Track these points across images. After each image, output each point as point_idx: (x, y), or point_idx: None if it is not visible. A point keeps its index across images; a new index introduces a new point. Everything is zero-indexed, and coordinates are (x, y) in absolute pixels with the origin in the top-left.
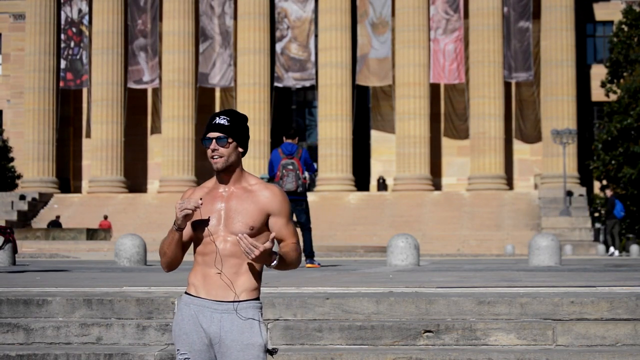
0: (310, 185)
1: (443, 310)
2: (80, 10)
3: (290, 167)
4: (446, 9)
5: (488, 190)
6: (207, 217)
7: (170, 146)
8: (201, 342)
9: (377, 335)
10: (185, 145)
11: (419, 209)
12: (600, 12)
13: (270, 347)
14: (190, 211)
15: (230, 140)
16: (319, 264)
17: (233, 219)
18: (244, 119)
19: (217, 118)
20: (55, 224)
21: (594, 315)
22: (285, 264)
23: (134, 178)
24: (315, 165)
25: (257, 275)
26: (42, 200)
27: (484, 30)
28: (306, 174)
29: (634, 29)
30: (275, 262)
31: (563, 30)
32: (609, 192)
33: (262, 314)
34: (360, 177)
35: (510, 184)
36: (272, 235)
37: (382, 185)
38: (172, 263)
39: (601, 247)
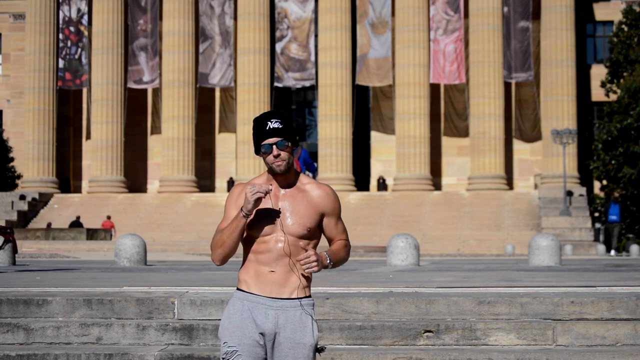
0: None
1: (443, 310)
2: (79, 10)
3: None
4: (446, 9)
5: (488, 190)
6: (262, 217)
7: (170, 146)
8: (251, 337)
9: (377, 335)
10: (185, 145)
11: (419, 209)
12: (600, 12)
13: (319, 345)
14: (262, 195)
15: (288, 143)
16: None
17: (289, 219)
18: (290, 117)
19: (270, 122)
20: (76, 224)
21: (594, 315)
22: (336, 264)
23: (134, 178)
24: (316, 165)
25: (308, 275)
26: (42, 200)
27: (484, 30)
28: (308, 174)
29: (634, 29)
30: (329, 262)
31: (563, 30)
32: (614, 194)
33: (314, 311)
34: (360, 177)
35: (510, 184)
36: (311, 247)
37: (382, 185)
38: (228, 254)
39: (601, 247)
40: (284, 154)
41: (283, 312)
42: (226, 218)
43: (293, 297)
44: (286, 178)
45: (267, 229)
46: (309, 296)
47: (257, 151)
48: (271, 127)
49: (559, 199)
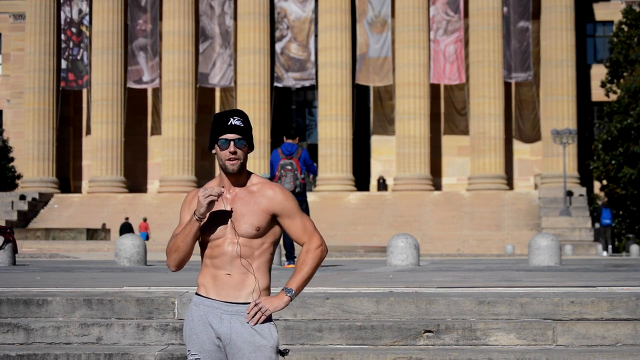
0: (308, 186)
1: (443, 310)
2: (80, 11)
3: (289, 167)
4: (446, 9)
5: (488, 190)
6: (213, 220)
7: (170, 146)
8: (211, 342)
9: (377, 335)
10: (185, 145)
11: (419, 209)
12: (600, 12)
13: (281, 347)
14: (215, 198)
15: (245, 142)
16: None
17: (239, 221)
18: (249, 119)
19: (232, 119)
20: (126, 227)
21: (594, 315)
22: (304, 286)
23: (134, 178)
24: (316, 166)
25: (267, 275)
26: (42, 200)
27: (484, 30)
28: (303, 174)
29: (634, 29)
30: (290, 295)
31: (563, 30)
32: (600, 203)
33: (271, 314)
34: (360, 177)
35: (510, 184)
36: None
37: (382, 185)
38: (183, 259)
39: (601, 248)
40: (240, 153)
41: (239, 316)
42: (180, 224)
43: (250, 301)
44: (237, 179)
45: (219, 231)
46: None
47: (212, 146)
48: (233, 123)
49: (559, 199)
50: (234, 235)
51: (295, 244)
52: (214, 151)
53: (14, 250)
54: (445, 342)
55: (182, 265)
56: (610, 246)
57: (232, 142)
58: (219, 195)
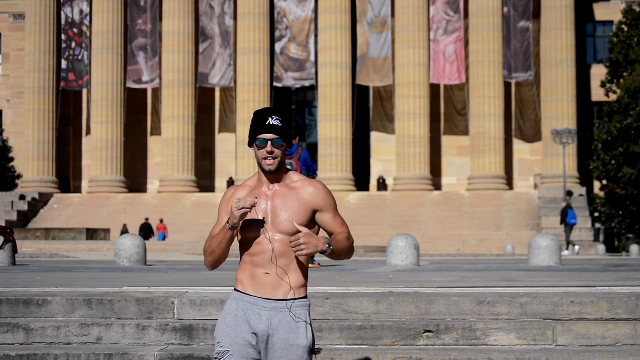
0: None
1: (443, 310)
2: (81, 11)
3: (289, 167)
4: (446, 9)
5: (488, 190)
6: (253, 218)
7: (170, 146)
8: (244, 337)
9: (377, 335)
10: (185, 145)
11: (419, 209)
12: (600, 12)
13: (315, 347)
14: (248, 210)
15: (284, 143)
16: (319, 264)
17: (280, 218)
18: (290, 117)
19: (270, 118)
20: (146, 227)
21: (594, 315)
22: (338, 251)
23: (134, 178)
24: (316, 167)
25: (304, 273)
26: (42, 200)
27: (484, 30)
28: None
29: (634, 29)
30: (328, 247)
31: (563, 30)
32: (564, 202)
33: (310, 313)
34: (360, 177)
35: (510, 184)
36: (301, 227)
37: (382, 185)
38: (219, 261)
39: (601, 247)
40: (277, 152)
41: (277, 313)
42: (218, 223)
43: (288, 298)
44: (276, 176)
45: (258, 230)
46: (305, 297)
47: (251, 144)
48: (271, 123)
49: (559, 199)
50: (274, 233)
51: None
52: (253, 148)
53: (14, 250)
54: (445, 342)
55: (218, 265)
56: (576, 247)
57: (269, 142)
58: (253, 206)
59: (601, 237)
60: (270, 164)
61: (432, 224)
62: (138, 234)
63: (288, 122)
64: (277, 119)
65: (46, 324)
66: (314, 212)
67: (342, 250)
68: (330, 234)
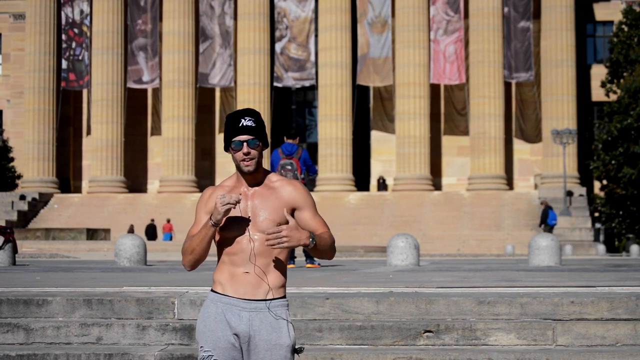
0: (308, 186)
1: (443, 310)
2: (81, 11)
3: (289, 167)
4: (446, 9)
5: (488, 190)
6: (232, 217)
7: (170, 146)
8: (226, 340)
9: (377, 335)
10: (185, 145)
11: (419, 209)
12: (600, 12)
13: (297, 346)
14: (233, 206)
15: (259, 142)
16: (319, 264)
17: (259, 217)
18: (261, 116)
19: (243, 120)
20: (151, 228)
21: (594, 315)
22: (321, 247)
23: (134, 178)
24: (316, 167)
25: (283, 273)
26: (42, 200)
27: (484, 30)
28: (303, 174)
29: (634, 29)
30: (312, 241)
31: (563, 30)
32: (542, 204)
33: (288, 312)
34: (360, 177)
35: (510, 184)
36: (288, 216)
37: (382, 185)
38: (199, 260)
39: (601, 247)
40: (253, 153)
41: (257, 313)
42: (197, 223)
43: (268, 297)
44: (255, 177)
45: (238, 229)
46: (284, 297)
47: (227, 148)
48: (244, 124)
49: (559, 199)
50: (253, 232)
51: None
52: (230, 152)
53: (14, 250)
54: (445, 342)
55: (197, 265)
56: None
57: (245, 144)
58: (237, 202)
59: (601, 237)
60: (248, 164)
61: (432, 224)
62: (144, 234)
63: (261, 121)
64: (250, 120)
65: (46, 324)
66: (293, 210)
67: (325, 247)
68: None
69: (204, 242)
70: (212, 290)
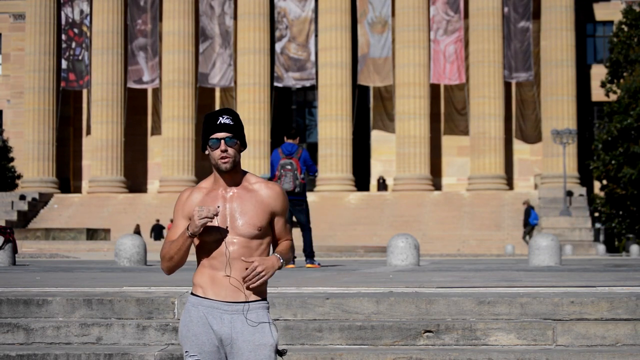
0: (308, 186)
1: (443, 310)
2: (81, 11)
3: (289, 167)
4: (446, 9)
5: (488, 190)
6: (213, 224)
7: (170, 146)
8: (211, 343)
9: (377, 335)
10: (185, 145)
11: (419, 209)
12: (600, 12)
13: (280, 347)
14: (210, 220)
15: (237, 140)
16: (319, 264)
17: (239, 220)
18: (239, 117)
19: (221, 118)
20: (157, 228)
21: (594, 315)
22: (286, 261)
23: (134, 178)
24: (316, 167)
25: None
26: (42, 200)
27: (484, 30)
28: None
29: (634, 29)
30: (282, 262)
31: (563, 30)
32: (524, 204)
33: (269, 313)
34: (360, 177)
35: (510, 184)
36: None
37: (382, 185)
38: (177, 266)
39: (601, 247)
40: (231, 151)
41: (239, 316)
42: (175, 227)
43: (249, 300)
44: (233, 177)
45: (217, 233)
46: (265, 299)
47: (204, 147)
48: (222, 122)
49: (559, 199)
50: (233, 236)
51: (294, 245)
52: (207, 152)
53: (14, 250)
54: (445, 342)
55: (175, 270)
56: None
57: (222, 141)
58: (215, 215)
59: (601, 237)
60: (225, 162)
61: (432, 224)
62: (150, 235)
63: (239, 120)
64: (228, 118)
65: (46, 324)
66: (272, 215)
67: (288, 260)
68: (276, 238)
69: (182, 251)
70: (192, 294)
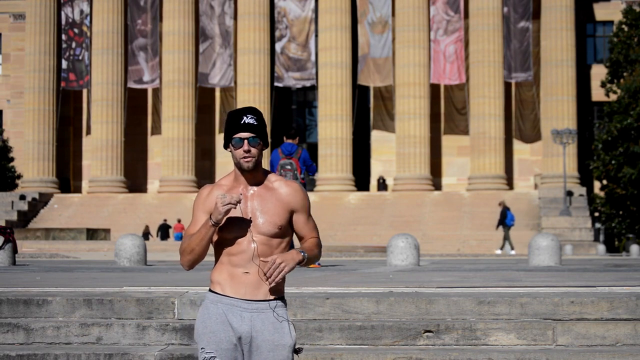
0: (308, 186)
1: (443, 310)
2: (82, 11)
3: (289, 167)
4: (446, 9)
5: (488, 190)
6: (232, 217)
7: (170, 146)
8: (229, 341)
9: (377, 335)
10: (185, 145)
11: (419, 209)
12: (600, 12)
13: (297, 346)
14: (233, 206)
15: (260, 141)
16: (319, 264)
17: (259, 219)
18: (263, 116)
19: (245, 117)
20: (164, 228)
21: (594, 315)
22: (311, 259)
23: (134, 178)
24: (316, 167)
25: None
26: (42, 200)
27: (484, 30)
28: (303, 174)
29: (634, 29)
30: (303, 255)
31: (563, 30)
32: (500, 205)
33: (287, 312)
34: (360, 177)
35: (510, 184)
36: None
37: (382, 185)
38: (197, 260)
39: (601, 247)
40: (254, 151)
41: (259, 314)
42: (195, 222)
43: (268, 298)
44: (254, 176)
45: (238, 230)
46: (283, 297)
47: (227, 145)
48: (246, 121)
49: (559, 199)
50: (254, 234)
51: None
52: (229, 149)
53: (14, 250)
54: (445, 342)
55: (196, 264)
56: (512, 245)
57: (245, 141)
58: (238, 202)
59: (601, 237)
60: (248, 161)
61: (432, 224)
62: (156, 234)
63: (262, 120)
64: (252, 117)
65: (46, 324)
66: (292, 212)
67: (314, 257)
68: (300, 236)
69: (204, 241)
70: (210, 291)
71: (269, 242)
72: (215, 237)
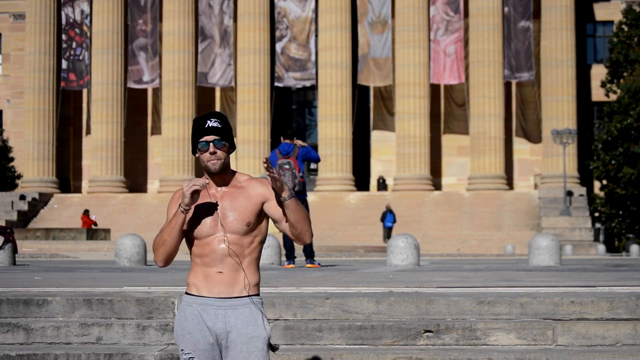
0: (308, 186)
1: (443, 310)
2: (82, 11)
3: (287, 166)
4: (446, 9)
5: (488, 190)
6: (202, 218)
7: (170, 146)
8: (205, 341)
9: (377, 335)
10: (185, 145)
11: (419, 209)
12: (600, 12)
13: (272, 342)
14: (199, 187)
15: (225, 142)
16: (319, 264)
17: (229, 218)
18: (227, 119)
19: (209, 121)
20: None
21: (594, 315)
22: (294, 208)
23: (134, 178)
24: (317, 154)
25: (256, 272)
26: (42, 200)
27: (484, 30)
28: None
29: (634, 29)
30: (290, 195)
31: (563, 30)
32: (385, 207)
33: (263, 309)
34: (360, 177)
35: (510, 184)
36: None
37: (382, 185)
38: (170, 254)
39: (601, 247)
40: (220, 153)
41: (233, 310)
42: (167, 219)
43: (243, 295)
44: (223, 178)
45: (208, 230)
46: (258, 294)
47: (194, 150)
48: (210, 125)
49: (559, 199)
50: (223, 233)
51: (295, 245)
52: (197, 155)
53: (14, 250)
54: (445, 342)
55: (170, 260)
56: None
57: (211, 144)
58: (204, 185)
59: (601, 237)
60: (214, 164)
61: (432, 224)
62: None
63: (227, 122)
64: (215, 121)
65: (46, 324)
66: (262, 205)
67: (299, 213)
68: (280, 219)
69: (175, 230)
70: (186, 293)
71: (239, 241)
72: (190, 238)
